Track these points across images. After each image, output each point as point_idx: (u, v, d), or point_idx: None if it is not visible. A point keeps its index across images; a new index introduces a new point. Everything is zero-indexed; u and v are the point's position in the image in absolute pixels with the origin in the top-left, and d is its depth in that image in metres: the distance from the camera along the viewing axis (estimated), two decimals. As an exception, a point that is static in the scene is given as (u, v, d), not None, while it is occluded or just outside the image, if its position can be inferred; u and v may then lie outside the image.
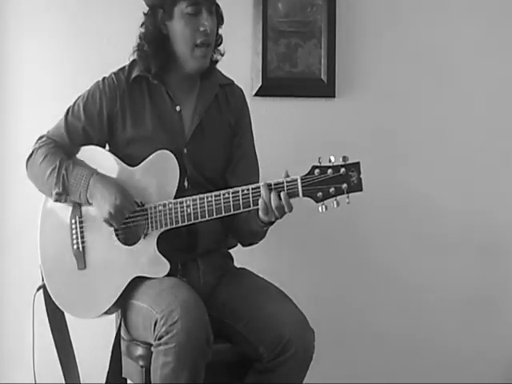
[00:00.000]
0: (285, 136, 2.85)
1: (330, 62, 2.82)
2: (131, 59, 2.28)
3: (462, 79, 2.92)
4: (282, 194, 2.02)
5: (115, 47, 2.75)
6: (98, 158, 2.25)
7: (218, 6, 2.25)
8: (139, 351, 2.17)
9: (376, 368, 2.91)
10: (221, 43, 2.30)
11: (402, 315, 2.92)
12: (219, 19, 2.26)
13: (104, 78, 2.28)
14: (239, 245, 2.38)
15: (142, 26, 2.23)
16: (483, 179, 2.93)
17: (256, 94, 2.81)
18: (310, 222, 2.75)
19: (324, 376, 2.77)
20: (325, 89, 2.84)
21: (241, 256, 2.43)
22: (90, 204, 2.19)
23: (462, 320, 2.94)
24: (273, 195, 2.02)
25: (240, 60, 2.81)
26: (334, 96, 2.85)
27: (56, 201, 2.22)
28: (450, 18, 2.91)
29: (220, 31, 2.28)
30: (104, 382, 2.22)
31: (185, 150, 2.23)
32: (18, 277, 2.79)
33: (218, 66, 2.34)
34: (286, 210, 2.03)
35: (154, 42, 2.20)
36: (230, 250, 2.40)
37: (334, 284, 2.90)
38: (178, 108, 2.26)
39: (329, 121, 2.88)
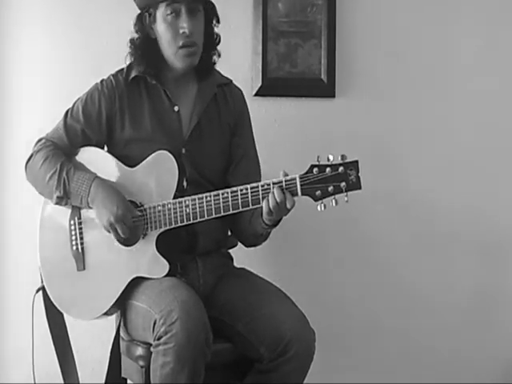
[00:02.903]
0: (285, 136, 2.84)
1: (330, 62, 2.82)
2: (128, 62, 2.28)
3: (461, 79, 2.91)
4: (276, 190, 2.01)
5: (115, 48, 2.74)
6: (97, 159, 2.25)
7: (208, 3, 2.24)
8: (139, 351, 2.17)
9: (376, 368, 2.91)
10: (218, 43, 2.29)
11: (402, 315, 2.91)
12: (211, 17, 2.25)
13: (102, 80, 2.28)
14: (240, 245, 2.38)
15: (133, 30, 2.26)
16: (484, 179, 2.93)
17: (256, 94, 2.81)
18: (310, 222, 2.75)
19: (324, 376, 2.77)
20: (325, 89, 2.84)
21: (241, 256, 2.43)
22: (90, 208, 2.19)
23: (462, 320, 2.94)
24: (276, 191, 2.01)
25: (240, 60, 2.81)
26: (333, 96, 2.85)
27: (57, 204, 2.22)
28: (449, 19, 2.90)
29: (217, 30, 2.27)
30: (103, 382, 2.23)
31: (183, 150, 2.23)
32: (18, 278, 2.78)
33: (219, 66, 2.34)
34: (288, 205, 2.02)
35: (143, 46, 2.23)
36: (230, 250, 2.40)
37: (335, 284, 2.89)
38: (176, 108, 2.26)
39: (329, 121, 2.87)
